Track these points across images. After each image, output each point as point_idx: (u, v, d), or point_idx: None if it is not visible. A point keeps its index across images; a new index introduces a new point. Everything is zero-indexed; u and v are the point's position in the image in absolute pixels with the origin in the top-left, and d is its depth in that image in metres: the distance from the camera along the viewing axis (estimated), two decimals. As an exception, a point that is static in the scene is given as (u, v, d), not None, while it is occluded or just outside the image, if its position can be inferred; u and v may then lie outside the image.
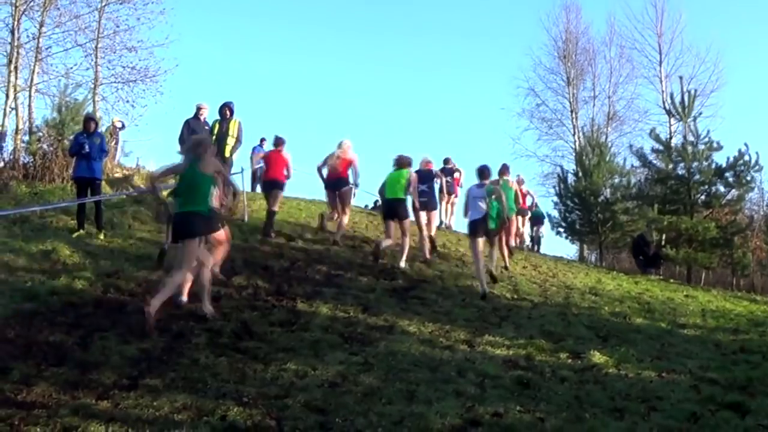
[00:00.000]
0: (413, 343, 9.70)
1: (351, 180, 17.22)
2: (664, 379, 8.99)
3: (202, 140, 10.67)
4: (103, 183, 18.32)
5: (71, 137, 20.65)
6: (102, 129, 19.93)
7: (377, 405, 7.22)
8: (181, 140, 18.09)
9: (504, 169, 18.06)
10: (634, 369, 9.34)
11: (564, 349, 10.04)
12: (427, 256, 16.33)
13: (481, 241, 13.88)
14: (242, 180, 20.16)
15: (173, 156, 19.99)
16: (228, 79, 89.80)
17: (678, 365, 9.71)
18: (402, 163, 16.05)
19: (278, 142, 17.46)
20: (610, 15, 65.96)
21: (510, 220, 17.11)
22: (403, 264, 15.23)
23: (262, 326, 10.00)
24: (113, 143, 24.96)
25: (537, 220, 29.72)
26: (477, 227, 13.96)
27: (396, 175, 15.89)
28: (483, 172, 14.25)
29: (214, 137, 17.71)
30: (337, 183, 17.11)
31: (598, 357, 9.69)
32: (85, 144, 15.10)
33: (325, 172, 17.39)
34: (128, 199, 18.37)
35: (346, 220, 17.31)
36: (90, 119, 15.82)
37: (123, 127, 25.33)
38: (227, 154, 17.72)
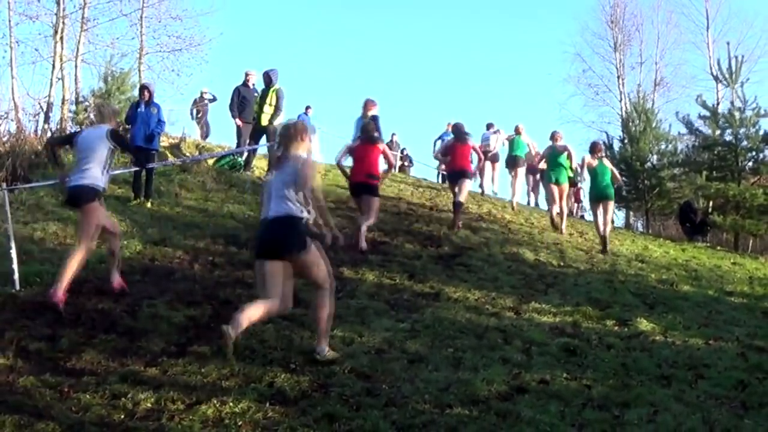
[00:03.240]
0: (459, 310, 9.72)
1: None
2: (711, 347, 8.96)
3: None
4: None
5: (117, 106, 20.90)
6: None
7: (424, 372, 7.27)
8: (231, 107, 18.30)
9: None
10: (681, 336, 9.31)
11: (610, 317, 10.01)
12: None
13: None
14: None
15: (218, 123, 20.24)
16: (275, 46, 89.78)
17: (725, 333, 9.67)
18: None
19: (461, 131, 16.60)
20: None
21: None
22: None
23: (308, 293, 10.03)
24: (200, 115, 25.13)
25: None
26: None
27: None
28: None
29: (256, 105, 17.87)
30: None
31: (644, 324, 9.67)
32: (139, 117, 15.16)
33: None
34: (175, 168, 18.47)
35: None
36: (145, 88, 15.82)
37: (214, 99, 25.38)
38: (263, 123, 17.80)
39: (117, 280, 9.71)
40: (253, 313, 7.08)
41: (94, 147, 9.60)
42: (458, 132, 16.35)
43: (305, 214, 7.39)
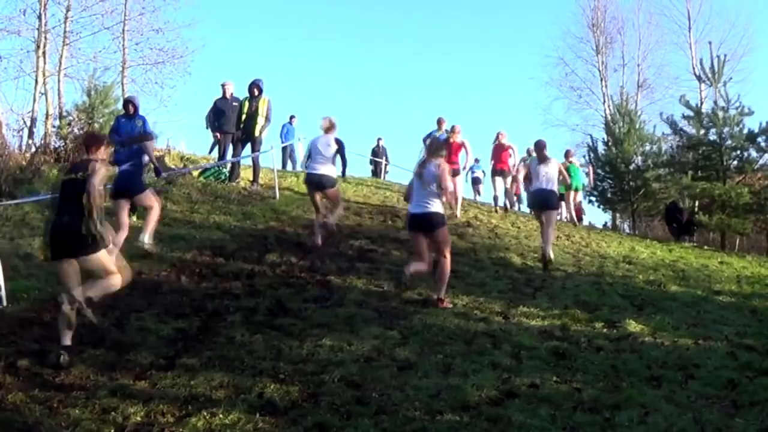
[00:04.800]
0: (448, 316, 9.72)
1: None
2: (700, 347, 8.98)
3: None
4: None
5: (101, 120, 20.86)
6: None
7: (413, 379, 7.25)
8: (209, 121, 18.25)
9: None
10: (670, 337, 9.33)
11: (599, 319, 10.03)
12: None
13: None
14: (273, 158, 20.17)
15: (204, 135, 20.10)
16: (257, 56, 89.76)
17: (714, 332, 9.69)
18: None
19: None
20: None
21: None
22: None
23: (296, 303, 10.03)
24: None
25: None
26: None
27: None
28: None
29: (243, 115, 17.79)
30: None
31: (633, 326, 9.69)
32: (122, 131, 15.13)
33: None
34: (160, 180, 18.42)
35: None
36: (129, 102, 15.80)
37: None
38: (256, 134, 17.80)
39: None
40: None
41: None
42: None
43: None
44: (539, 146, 14.54)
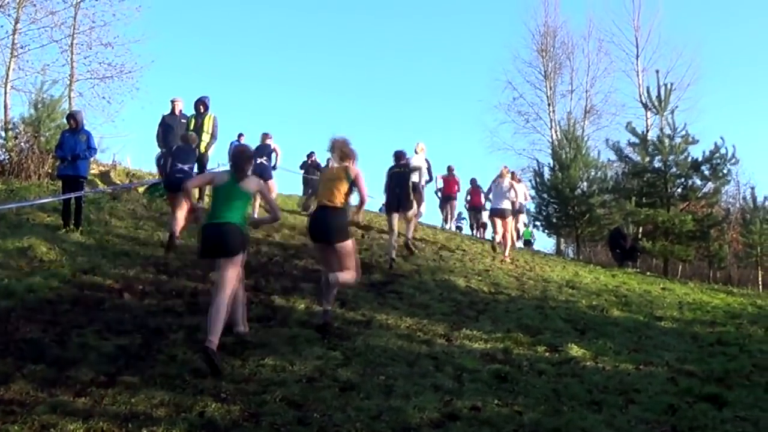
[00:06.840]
0: (391, 338, 9.71)
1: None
2: (641, 372, 9.04)
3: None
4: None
5: (47, 134, 20.68)
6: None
7: (355, 400, 7.22)
8: (158, 138, 18.12)
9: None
10: (612, 362, 9.38)
11: (541, 343, 10.07)
12: None
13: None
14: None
15: (149, 151, 19.95)
16: (206, 73, 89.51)
17: (655, 358, 9.76)
18: None
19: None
20: (589, 8, 66.28)
21: None
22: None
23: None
24: None
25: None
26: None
27: None
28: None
29: (190, 132, 17.72)
30: None
31: (575, 350, 9.73)
32: (66, 146, 14.99)
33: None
34: (105, 196, 18.29)
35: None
36: (71, 116, 15.67)
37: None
38: (202, 150, 17.72)
39: None
40: None
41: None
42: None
43: None
44: (513, 173, 21.35)
